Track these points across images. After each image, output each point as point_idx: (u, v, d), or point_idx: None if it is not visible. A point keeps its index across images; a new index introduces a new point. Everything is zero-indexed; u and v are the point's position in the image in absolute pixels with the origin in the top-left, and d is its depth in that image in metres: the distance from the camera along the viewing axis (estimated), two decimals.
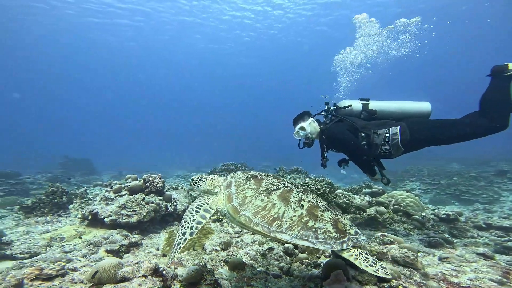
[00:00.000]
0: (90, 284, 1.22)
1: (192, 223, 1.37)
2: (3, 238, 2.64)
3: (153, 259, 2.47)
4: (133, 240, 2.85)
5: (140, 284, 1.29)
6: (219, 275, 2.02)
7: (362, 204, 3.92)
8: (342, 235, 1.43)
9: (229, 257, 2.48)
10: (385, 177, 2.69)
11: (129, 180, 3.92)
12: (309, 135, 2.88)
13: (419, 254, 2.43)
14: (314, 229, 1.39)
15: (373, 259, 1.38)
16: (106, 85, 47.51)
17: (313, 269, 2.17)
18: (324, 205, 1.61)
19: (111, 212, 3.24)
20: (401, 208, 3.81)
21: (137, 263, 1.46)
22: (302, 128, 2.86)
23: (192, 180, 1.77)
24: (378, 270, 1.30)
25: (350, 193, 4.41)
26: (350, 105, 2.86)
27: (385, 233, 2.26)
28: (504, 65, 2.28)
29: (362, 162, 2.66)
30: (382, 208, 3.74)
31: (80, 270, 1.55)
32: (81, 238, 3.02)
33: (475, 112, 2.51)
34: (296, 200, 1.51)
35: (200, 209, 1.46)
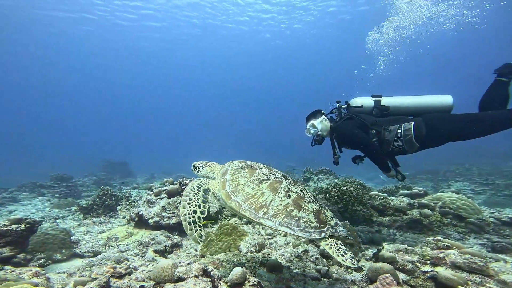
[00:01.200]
0: (153, 283, 1.38)
1: (198, 202, 1.52)
2: (72, 238, 3.08)
3: (195, 259, 2.64)
4: (175, 241, 3.06)
5: (194, 284, 1.41)
6: (259, 276, 2.07)
7: (401, 206, 3.66)
8: (322, 225, 1.50)
9: (265, 258, 2.52)
10: (399, 174, 2.69)
11: (167, 183, 4.23)
12: (319, 132, 2.94)
13: None
14: (297, 218, 1.47)
15: (345, 249, 1.43)
16: (123, 90, 48.95)
17: (354, 272, 2.11)
18: (310, 197, 1.67)
19: (154, 214, 3.54)
20: (451, 210, 3.44)
21: (188, 263, 1.59)
22: (313, 126, 2.93)
23: (193, 165, 1.92)
24: (346, 260, 1.35)
25: (385, 194, 4.15)
26: (362, 106, 2.84)
27: (439, 237, 2.08)
28: None
29: (376, 159, 2.66)
30: (427, 211, 3.43)
31: (139, 269, 1.74)
32: (131, 238, 3.37)
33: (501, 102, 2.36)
34: (284, 191, 1.59)
35: (200, 188, 1.61)
